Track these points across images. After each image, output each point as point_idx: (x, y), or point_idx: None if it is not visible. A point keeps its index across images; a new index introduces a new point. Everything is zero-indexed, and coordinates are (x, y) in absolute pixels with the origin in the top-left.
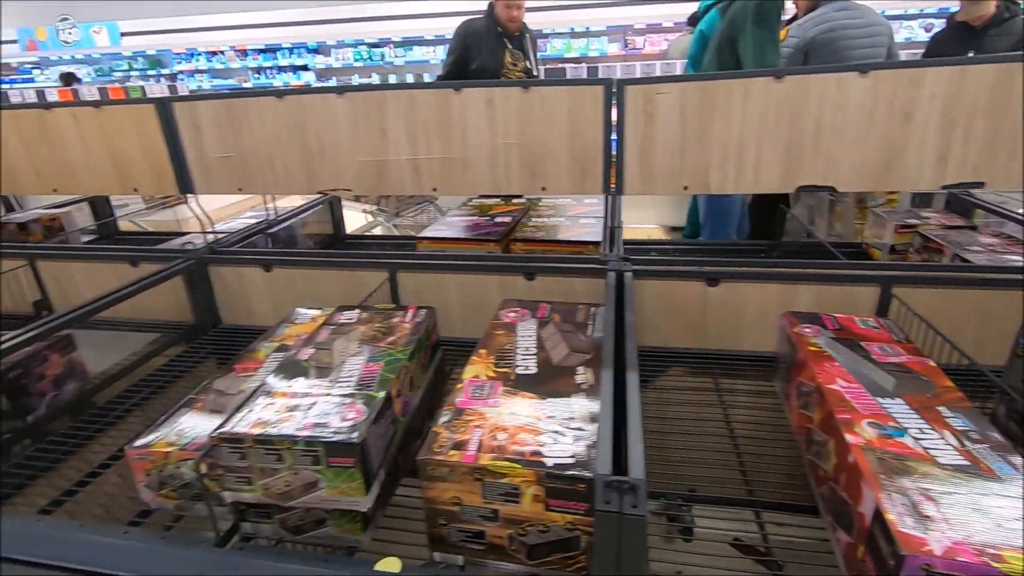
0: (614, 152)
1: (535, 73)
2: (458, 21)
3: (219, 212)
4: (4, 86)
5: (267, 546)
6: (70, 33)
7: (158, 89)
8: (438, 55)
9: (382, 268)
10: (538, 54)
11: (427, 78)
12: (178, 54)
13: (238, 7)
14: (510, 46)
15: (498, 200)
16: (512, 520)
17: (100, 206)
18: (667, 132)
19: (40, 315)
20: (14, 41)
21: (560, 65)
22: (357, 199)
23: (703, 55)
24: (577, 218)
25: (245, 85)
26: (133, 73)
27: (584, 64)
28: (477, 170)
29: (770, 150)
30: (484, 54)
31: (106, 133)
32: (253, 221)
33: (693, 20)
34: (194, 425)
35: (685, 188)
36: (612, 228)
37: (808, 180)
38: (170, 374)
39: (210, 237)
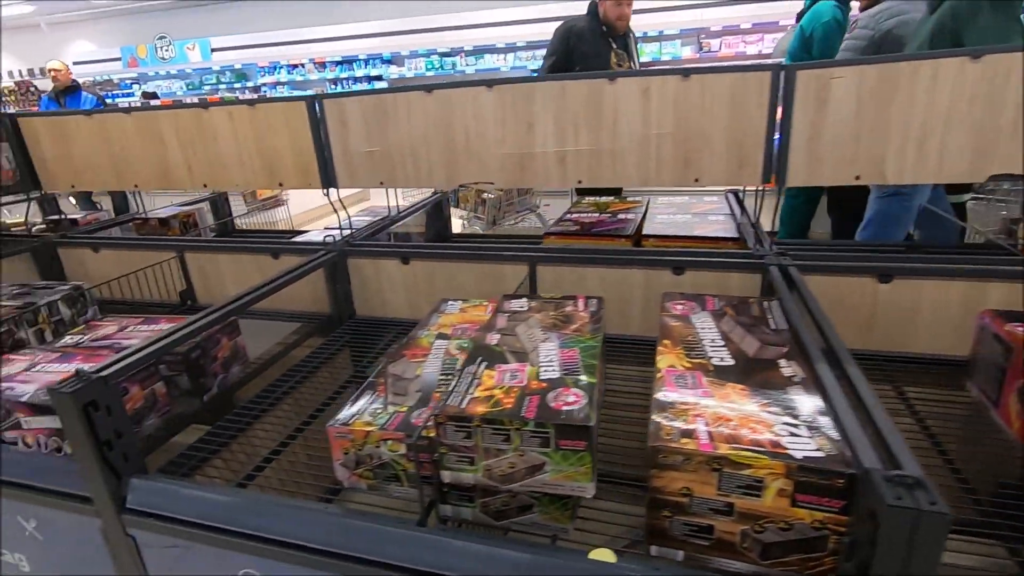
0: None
1: None
2: (528, 29)
3: (311, 213)
4: (110, 100)
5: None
6: (167, 50)
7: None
8: (508, 62)
9: (522, 261)
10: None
11: None
12: (262, 67)
13: (319, 21)
14: (615, 46)
15: (613, 198)
16: (749, 515)
17: (219, 205)
18: (840, 118)
19: (185, 304)
20: (118, 59)
21: None
22: (456, 205)
23: (801, 52)
24: (705, 215)
25: None
26: (221, 86)
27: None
28: (626, 162)
29: (959, 136)
30: (589, 55)
31: (258, 130)
32: (367, 219)
33: (801, 17)
34: (382, 407)
35: (857, 177)
36: (755, 223)
37: (1002, 168)
38: (314, 363)
39: (334, 232)
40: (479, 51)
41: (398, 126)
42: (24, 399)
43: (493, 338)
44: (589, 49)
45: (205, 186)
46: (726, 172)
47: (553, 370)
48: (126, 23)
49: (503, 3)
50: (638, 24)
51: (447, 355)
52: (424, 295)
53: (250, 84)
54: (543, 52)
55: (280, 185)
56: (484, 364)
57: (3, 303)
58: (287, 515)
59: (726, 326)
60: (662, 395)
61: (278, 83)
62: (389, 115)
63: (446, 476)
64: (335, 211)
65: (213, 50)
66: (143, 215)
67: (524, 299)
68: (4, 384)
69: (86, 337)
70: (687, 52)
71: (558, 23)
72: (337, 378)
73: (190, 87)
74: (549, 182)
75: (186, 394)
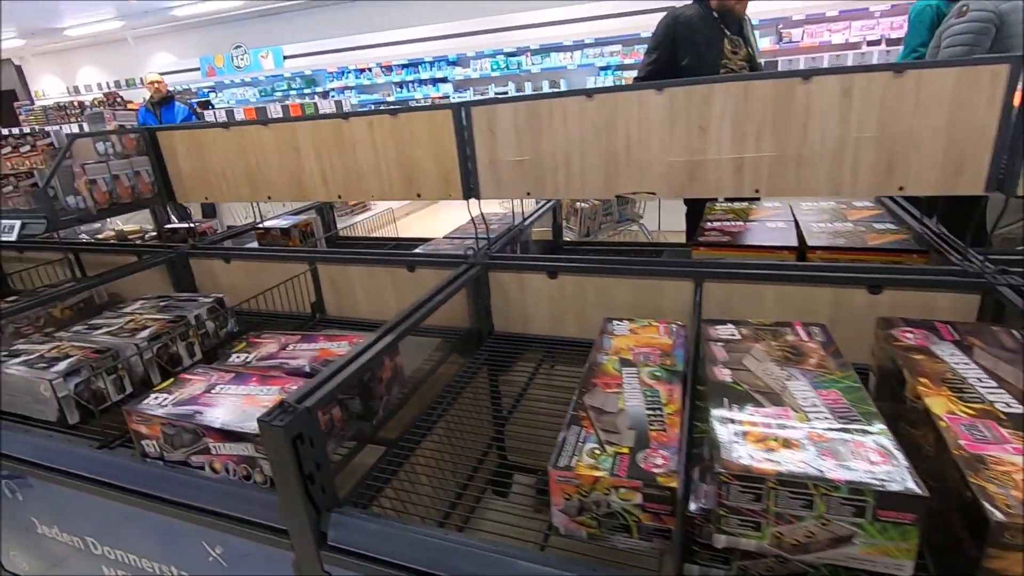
0: None
1: (759, 61)
2: (596, 26)
3: (385, 216)
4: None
5: None
6: (242, 59)
7: (327, 104)
8: (576, 60)
9: (686, 277)
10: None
11: (563, 84)
12: (331, 73)
13: (386, 25)
14: (728, 33)
15: (747, 204)
16: None
17: (325, 213)
18: None
19: (315, 317)
20: (196, 69)
21: None
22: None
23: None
24: (868, 222)
25: (388, 99)
26: (291, 92)
27: None
28: (814, 169)
29: None
30: (700, 45)
31: (399, 139)
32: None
33: None
34: (598, 447)
35: None
36: (942, 233)
37: None
38: (462, 383)
39: (468, 242)
40: (545, 49)
41: (552, 133)
42: (217, 425)
43: (723, 373)
44: (699, 37)
45: (340, 197)
46: (939, 179)
47: (824, 417)
48: (204, 34)
49: (567, 2)
50: None
51: (642, 385)
52: (572, 312)
53: (319, 89)
54: (612, 48)
55: (418, 196)
56: (736, 407)
57: (155, 316)
58: (504, 565)
59: (985, 361)
60: (964, 451)
61: (345, 88)
62: (543, 121)
63: (720, 540)
64: (404, 212)
65: (285, 57)
66: (263, 225)
67: (729, 325)
68: (191, 407)
69: (251, 356)
70: (765, 43)
71: (624, 18)
72: (483, 400)
73: (263, 94)
74: (721, 191)
75: (355, 418)
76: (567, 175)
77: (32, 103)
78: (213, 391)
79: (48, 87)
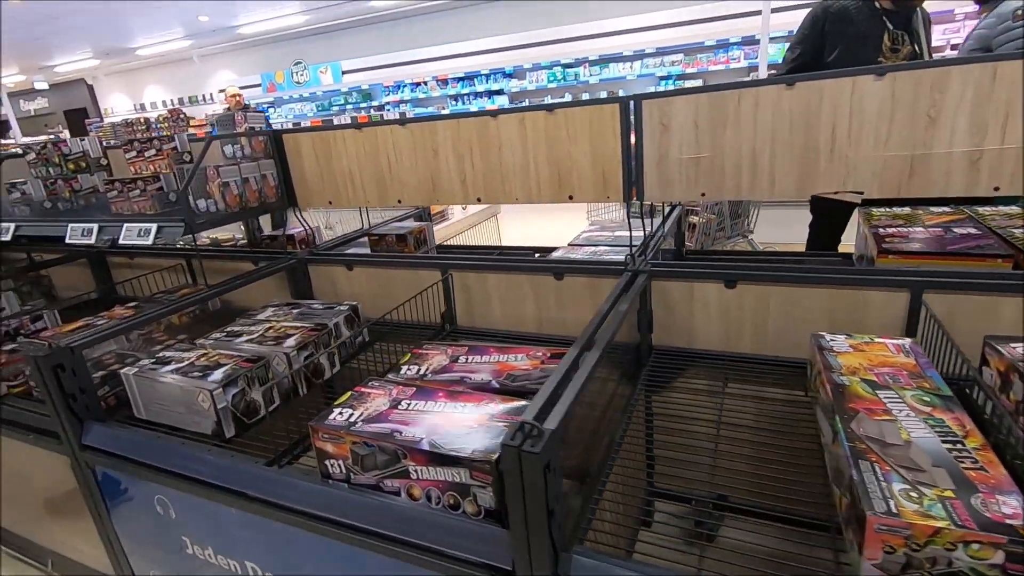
0: None
1: (928, 58)
2: (656, 35)
3: (448, 229)
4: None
5: None
6: (302, 75)
7: (391, 117)
8: (635, 70)
9: (899, 287)
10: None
11: (622, 94)
12: (386, 87)
13: (443, 39)
14: (890, 25)
15: (908, 208)
16: None
17: (424, 219)
18: None
19: (445, 327)
20: (257, 85)
21: None
22: None
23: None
24: None
25: (443, 111)
26: (348, 106)
27: None
28: None
29: None
30: (852, 39)
31: (553, 137)
32: (601, 234)
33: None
34: (912, 489)
35: None
36: None
37: None
38: (633, 402)
39: (608, 247)
40: (604, 60)
41: (739, 127)
42: (426, 447)
43: None
44: (852, 30)
45: (479, 200)
46: None
47: None
48: (265, 51)
49: (626, 12)
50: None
51: (916, 412)
52: (749, 325)
53: (375, 103)
54: (673, 58)
55: (569, 198)
56: None
57: (294, 324)
58: None
59: None
60: None
61: (401, 101)
62: (729, 114)
63: None
64: (488, 223)
65: (344, 72)
66: (376, 232)
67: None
68: (387, 426)
69: (423, 369)
70: None
71: (685, 27)
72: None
73: (320, 108)
74: (949, 189)
75: None
76: (753, 174)
77: (102, 120)
78: (400, 407)
79: (117, 105)
